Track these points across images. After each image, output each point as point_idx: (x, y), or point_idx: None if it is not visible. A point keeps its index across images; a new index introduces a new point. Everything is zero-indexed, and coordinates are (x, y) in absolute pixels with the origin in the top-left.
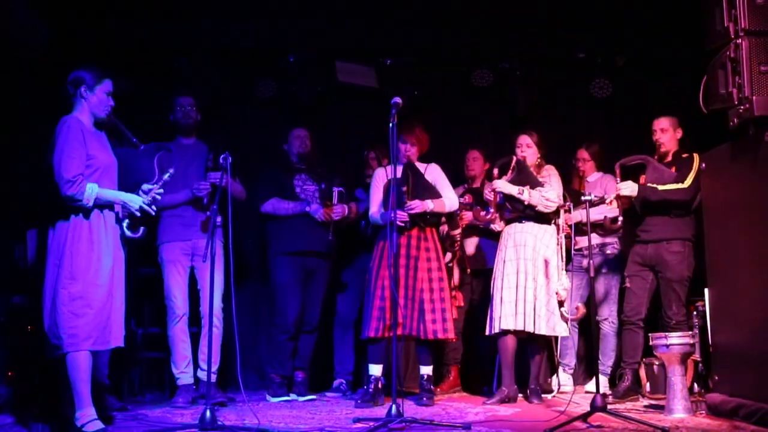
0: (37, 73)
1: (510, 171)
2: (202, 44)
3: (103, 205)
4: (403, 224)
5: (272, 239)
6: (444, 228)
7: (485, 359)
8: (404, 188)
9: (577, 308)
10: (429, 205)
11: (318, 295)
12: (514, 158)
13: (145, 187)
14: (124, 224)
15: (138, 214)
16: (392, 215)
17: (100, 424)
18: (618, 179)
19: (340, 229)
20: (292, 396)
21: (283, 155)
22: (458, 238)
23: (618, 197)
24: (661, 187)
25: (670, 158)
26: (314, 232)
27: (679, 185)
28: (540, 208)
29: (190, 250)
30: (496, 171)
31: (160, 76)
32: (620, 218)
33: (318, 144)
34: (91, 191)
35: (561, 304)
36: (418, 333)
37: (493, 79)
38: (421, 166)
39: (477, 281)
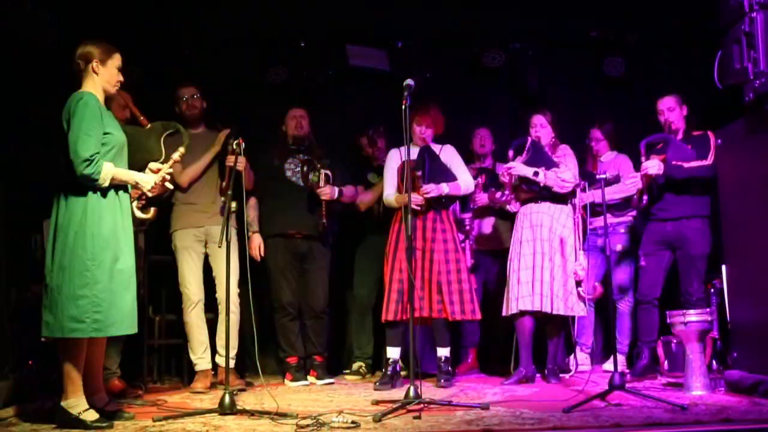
0: (46, 63)
1: (525, 152)
2: (212, 30)
3: (117, 185)
4: (418, 208)
5: (262, 221)
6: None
7: (503, 340)
8: (419, 173)
9: (594, 287)
10: (444, 188)
11: (318, 279)
12: (529, 139)
13: (153, 166)
14: (134, 205)
15: (150, 194)
16: (407, 199)
17: (95, 414)
18: (643, 158)
19: (349, 213)
20: (311, 379)
21: (280, 137)
22: (467, 222)
23: (644, 176)
24: (686, 165)
25: (681, 136)
26: (304, 215)
27: (703, 162)
28: (556, 188)
29: (203, 237)
30: (511, 153)
31: (170, 63)
32: (645, 196)
33: (330, 128)
34: (107, 171)
35: (579, 283)
36: (439, 314)
37: (504, 59)
38: (435, 148)
39: (493, 262)
